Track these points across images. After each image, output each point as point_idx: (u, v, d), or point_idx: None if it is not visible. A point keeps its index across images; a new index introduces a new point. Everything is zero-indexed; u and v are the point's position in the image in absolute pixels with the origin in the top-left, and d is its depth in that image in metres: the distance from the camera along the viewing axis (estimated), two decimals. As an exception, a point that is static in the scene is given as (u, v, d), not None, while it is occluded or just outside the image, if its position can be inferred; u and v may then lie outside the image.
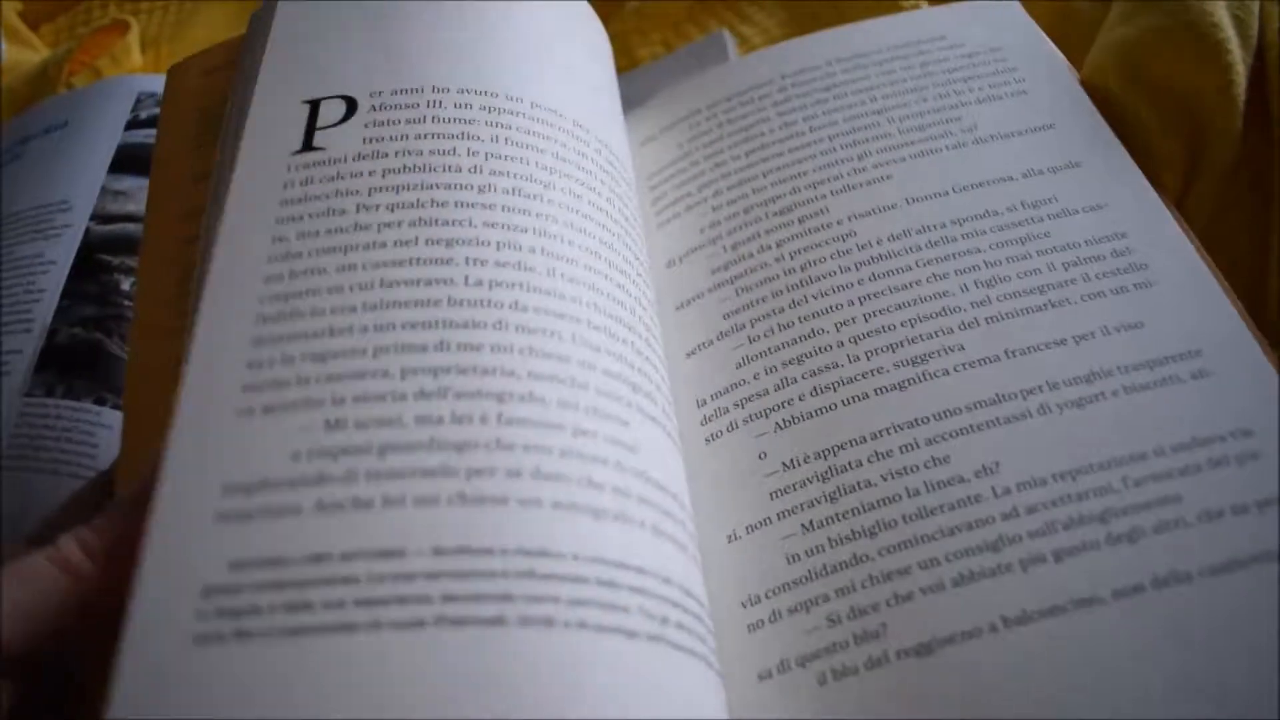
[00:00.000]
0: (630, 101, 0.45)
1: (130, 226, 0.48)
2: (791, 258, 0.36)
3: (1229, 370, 0.31)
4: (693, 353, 0.35)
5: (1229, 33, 0.37)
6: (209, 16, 0.66)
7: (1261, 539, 0.27)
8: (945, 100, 0.39)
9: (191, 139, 0.34)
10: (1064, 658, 0.26)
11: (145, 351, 0.32)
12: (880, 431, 0.31)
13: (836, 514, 0.30)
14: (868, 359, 0.33)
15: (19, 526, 0.39)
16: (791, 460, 0.32)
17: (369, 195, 0.30)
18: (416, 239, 0.29)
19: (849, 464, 0.31)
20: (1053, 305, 0.33)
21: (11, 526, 0.39)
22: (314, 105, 0.32)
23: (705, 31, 0.51)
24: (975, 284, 0.34)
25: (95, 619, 0.25)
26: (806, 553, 0.30)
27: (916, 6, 0.47)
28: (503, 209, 0.30)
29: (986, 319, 0.33)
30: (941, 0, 0.47)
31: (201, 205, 0.32)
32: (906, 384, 0.32)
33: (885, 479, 0.30)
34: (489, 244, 0.29)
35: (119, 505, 0.26)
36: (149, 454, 0.27)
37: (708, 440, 0.33)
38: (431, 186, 0.30)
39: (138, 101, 0.53)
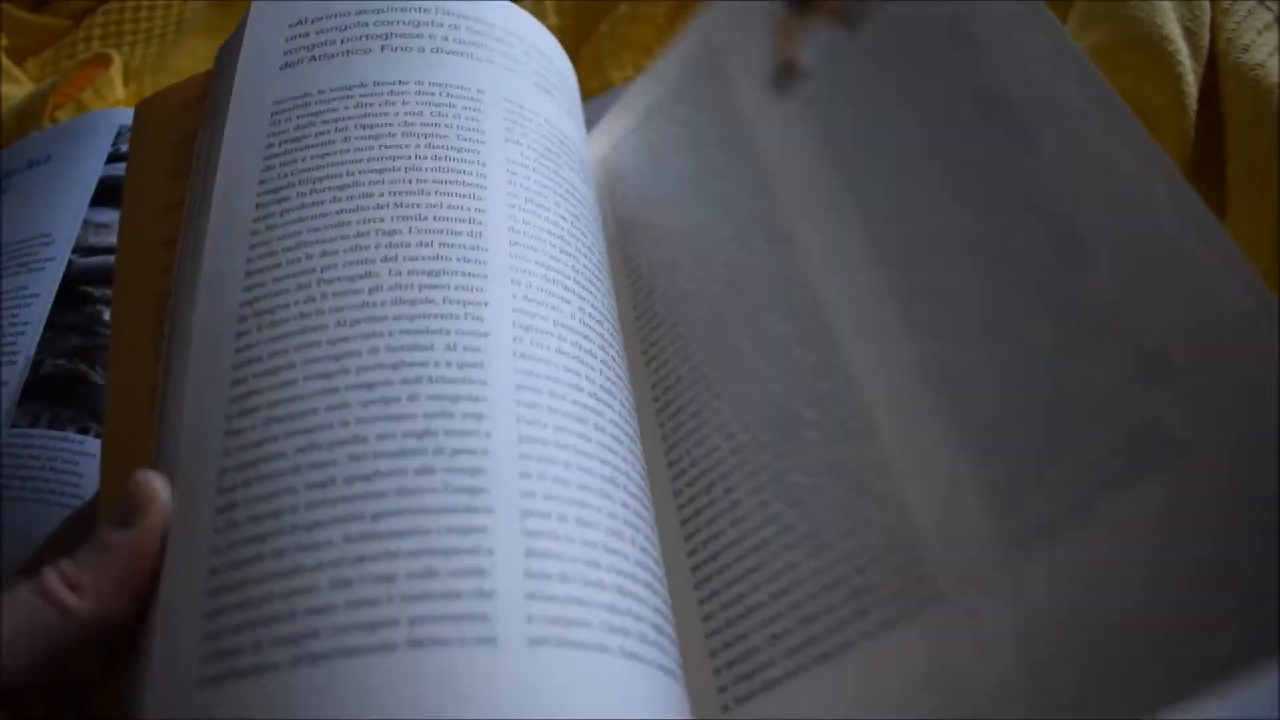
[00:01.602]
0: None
1: (112, 259, 0.48)
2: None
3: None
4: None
5: (1179, 44, 0.38)
6: (192, 48, 0.67)
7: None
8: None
9: (163, 171, 0.35)
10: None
11: (122, 381, 0.32)
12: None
13: None
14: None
15: (4, 557, 0.40)
16: None
17: None
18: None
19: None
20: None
21: (-3, 556, 0.40)
22: None
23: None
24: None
25: (80, 650, 0.26)
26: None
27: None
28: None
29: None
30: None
31: (174, 235, 0.33)
32: None
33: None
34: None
35: (101, 537, 0.27)
36: (128, 482, 0.28)
37: None
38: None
39: (118, 135, 0.53)
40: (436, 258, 0.31)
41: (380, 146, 0.33)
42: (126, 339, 0.33)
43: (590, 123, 0.44)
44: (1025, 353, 0.25)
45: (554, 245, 0.33)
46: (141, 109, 0.37)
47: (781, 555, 0.29)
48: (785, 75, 0.36)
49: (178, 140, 0.35)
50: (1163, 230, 0.24)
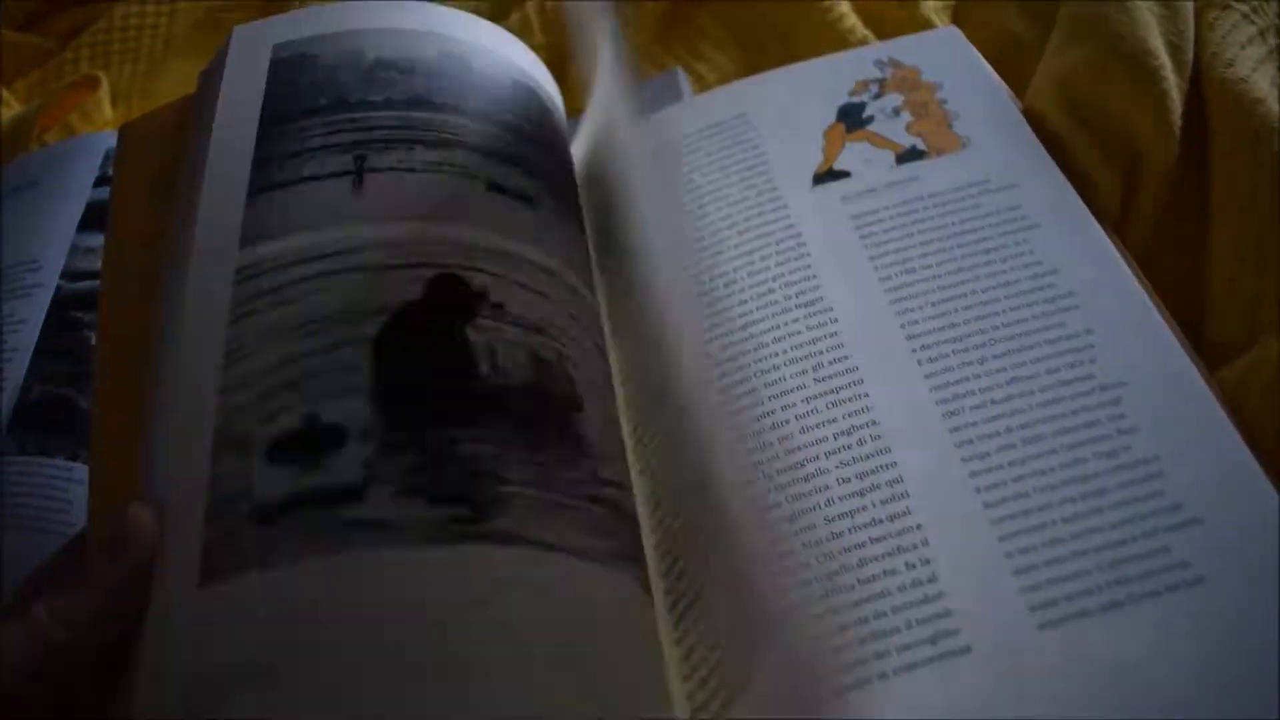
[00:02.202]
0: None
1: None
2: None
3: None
4: None
5: (1163, 59, 0.38)
6: (180, 69, 0.67)
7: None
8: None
9: (146, 198, 0.35)
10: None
11: (107, 408, 0.32)
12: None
13: None
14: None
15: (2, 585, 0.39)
16: None
17: None
18: None
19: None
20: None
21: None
22: None
23: (662, 69, 0.52)
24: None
25: (71, 680, 0.26)
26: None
27: (864, 41, 0.48)
28: None
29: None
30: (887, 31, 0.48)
31: (157, 262, 0.33)
32: None
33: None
34: None
35: (90, 568, 0.27)
36: (114, 513, 0.28)
37: None
38: None
39: (106, 158, 0.53)
40: None
41: None
42: (111, 366, 0.33)
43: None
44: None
45: None
46: (124, 134, 0.37)
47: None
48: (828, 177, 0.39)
49: (160, 165, 0.35)
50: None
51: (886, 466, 0.31)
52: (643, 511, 0.33)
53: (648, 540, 0.32)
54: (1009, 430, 0.31)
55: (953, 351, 0.33)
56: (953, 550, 0.29)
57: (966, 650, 0.28)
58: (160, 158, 0.36)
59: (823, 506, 0.31)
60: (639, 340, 0.36)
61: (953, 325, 0.34)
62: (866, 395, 0.33)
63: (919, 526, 0.30)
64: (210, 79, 0.36)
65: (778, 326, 0.35)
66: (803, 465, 0.32)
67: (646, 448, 0.34)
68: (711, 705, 0.28)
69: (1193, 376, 0.32)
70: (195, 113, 0.36)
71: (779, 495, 0.31)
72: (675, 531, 0.32)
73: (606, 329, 0.37)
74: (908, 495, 0.31)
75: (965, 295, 0.35)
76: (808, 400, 0.33)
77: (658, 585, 0.31)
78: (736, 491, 0.30)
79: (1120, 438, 0.31)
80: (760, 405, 0.34)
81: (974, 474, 0.31)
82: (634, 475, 0.34)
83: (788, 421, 0.33)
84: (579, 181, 0.43)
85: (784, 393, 0.33)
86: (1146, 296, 0.34)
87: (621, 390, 0.35)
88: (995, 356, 0.33)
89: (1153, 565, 0.28)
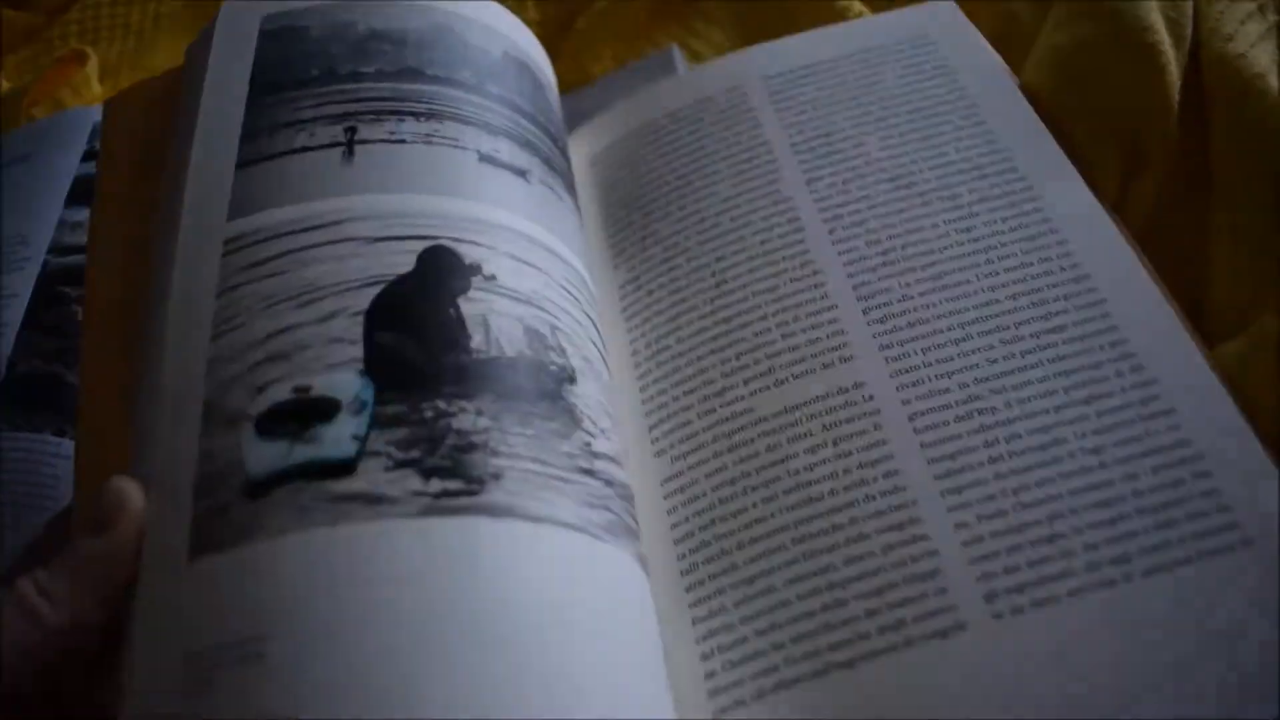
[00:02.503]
0: (583, 117, 0.45)
1: (87, 258, 0.48)
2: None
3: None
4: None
5: (1162, 35, 0.38)
6: (169, 43, 0.66)
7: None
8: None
9: (133, 170, 0.35)
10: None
11: (92, 383, 0.32)
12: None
13: None
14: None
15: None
16: None
17: None
18: None
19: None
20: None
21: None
22: None
23: (657, 46, 0.52)
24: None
25: (58, 657, 0.26)
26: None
27: (862, 13, 0.47)
28: None
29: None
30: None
31: (144, 236, 0.32)
32: None
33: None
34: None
35: (74, 544, 0.27)
36: (100, 490, 0.27)
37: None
38: None
39: (94, 133, 0.53)
40: None
41: None
42: (96, 340, 0.32)
43: (570, 117, 0.44)
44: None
45: None
46: (110, 107, 0.37)
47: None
48: None
49: (147, 139, 0.35)
50: None
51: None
52: (659, 493, 0.33)
53: (665, 521, 0.32)
54: None
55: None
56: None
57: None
58: (147, 131, 0.35)
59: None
60: (654, 319, 0.36)
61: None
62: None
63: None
64: (198, 52, 0.36)
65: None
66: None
67: (661, 428, 0.34)
68: (740, 690, 0.28)
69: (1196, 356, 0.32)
70: (183, 85, 0.35)
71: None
72: (697, 516, 0.32)
73: (619, 309, 0.37)
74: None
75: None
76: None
77: (672, 566, 0.31)
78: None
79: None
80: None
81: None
82: (649, 457, 0.33)
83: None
84: (586, 163, 0.42)
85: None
86: (1148, 275, 0.34)
87: (635, 372, 0.35)
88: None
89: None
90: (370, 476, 0.27)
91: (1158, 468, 0.30)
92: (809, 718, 0.27)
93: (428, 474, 0.27)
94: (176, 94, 0.35)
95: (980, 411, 0.31)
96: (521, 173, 0.35)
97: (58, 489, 0.42)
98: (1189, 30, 0.39)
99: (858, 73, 0.41)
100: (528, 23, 0.47)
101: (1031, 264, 0.34)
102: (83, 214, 0.50)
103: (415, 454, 0.27)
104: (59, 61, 0.62)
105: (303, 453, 0.27)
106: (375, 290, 0.30)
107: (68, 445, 0.43)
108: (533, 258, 0.33)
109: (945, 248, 0.35)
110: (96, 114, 0.54)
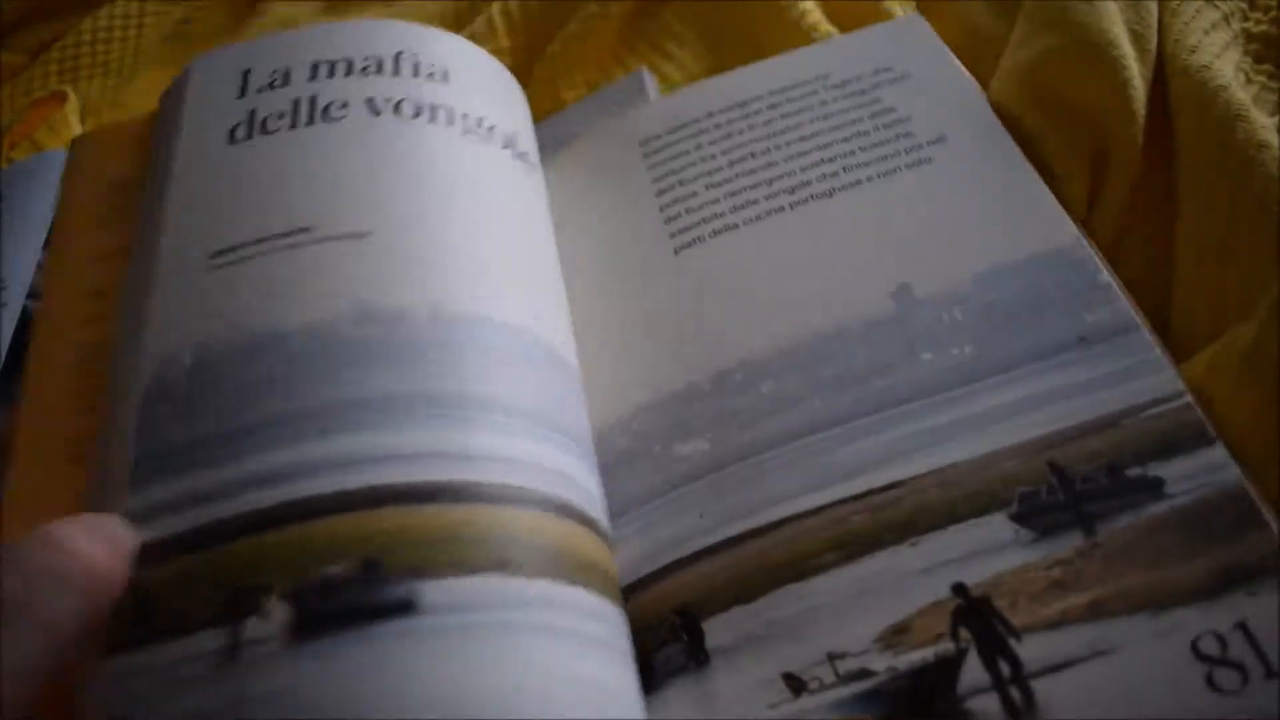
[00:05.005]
0: (556, 145, 0.45)
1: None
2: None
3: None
4: None
5: (1125, 49, 0.38)
6: (149, 83, 0.66)
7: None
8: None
9: (94, 218, 0.34)
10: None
11: (32, 433, 0.31)
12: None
13: None
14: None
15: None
16: None
17: None
18: None
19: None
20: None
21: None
22: None
23: (628, 70, 0.52)
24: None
25: None
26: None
27: (829, 33, 0.47)
28: None
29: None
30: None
31: (102, 286, 0.32)
32: None
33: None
34: None
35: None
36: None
37: None
38: None
39: (70, 174, 0.53)
40: None
41: None
42: (42, 391, 0.31)
43: (544, 143, 0.43)
44: None
45: None
46: (76, 149, 0.37)
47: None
48: None
49: (110, 186, 0.35)
50: None
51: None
52: None
53: None
54: None
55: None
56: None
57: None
58: (113, 176, 0.35)
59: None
60: None
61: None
62: None
63: None
64: (172, 98, 0.36)
65: None
66: None
67: None
68: None
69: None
70: (158, 127, 0.35)
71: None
72: None
73: None
74: None
75: None
76: None
77: None
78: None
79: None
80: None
81: None
82: None
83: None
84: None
85: None
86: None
87: None
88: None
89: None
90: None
91: None
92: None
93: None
94: (150, 135, 0.35)
95: None
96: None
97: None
98: (1154, 42, 0.39)
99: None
100: (499, 51, 0.47)
101: None
102: (58, 257, 0.50)
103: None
104: (35, 104, 0.62)
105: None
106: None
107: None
108: None
109: None
110: (71, 156, 0.54)
